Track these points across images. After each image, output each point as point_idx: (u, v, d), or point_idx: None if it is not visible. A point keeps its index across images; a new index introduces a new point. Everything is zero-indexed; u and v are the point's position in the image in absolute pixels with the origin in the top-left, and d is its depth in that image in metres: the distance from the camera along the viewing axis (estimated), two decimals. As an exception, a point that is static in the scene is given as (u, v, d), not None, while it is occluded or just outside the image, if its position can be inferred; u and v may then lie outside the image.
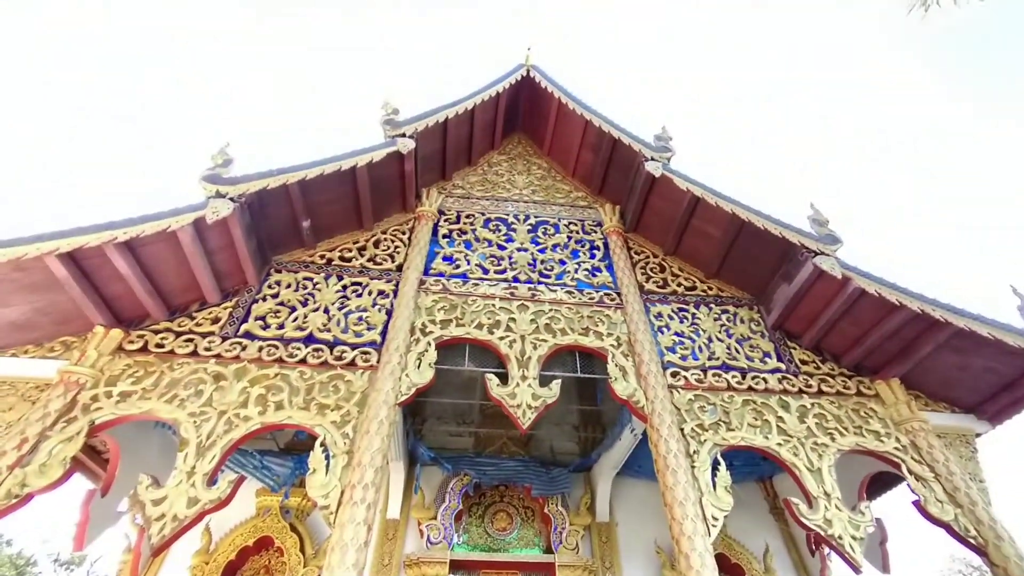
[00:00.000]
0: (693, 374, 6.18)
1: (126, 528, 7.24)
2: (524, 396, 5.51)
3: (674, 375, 6.12)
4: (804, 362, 6.66)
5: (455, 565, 7.36)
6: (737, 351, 6.62)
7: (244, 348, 5.74)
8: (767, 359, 6.61)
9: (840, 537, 4.98)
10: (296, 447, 7.86)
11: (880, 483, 7.19)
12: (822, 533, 5.02)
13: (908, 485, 5.58)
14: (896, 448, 5.89)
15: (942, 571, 21.46)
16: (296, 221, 6.83)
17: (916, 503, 5.44)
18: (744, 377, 6.26)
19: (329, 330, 6.08)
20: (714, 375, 6.22)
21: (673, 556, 7.62)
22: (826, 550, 7.97)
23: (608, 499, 8.17)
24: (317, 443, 5.14)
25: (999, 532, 5.08)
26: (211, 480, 4.94)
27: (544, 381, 5.74)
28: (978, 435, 6.29)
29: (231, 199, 5.78)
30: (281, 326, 6.07)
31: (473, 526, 7.87)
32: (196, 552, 7.10)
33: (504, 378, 5.72)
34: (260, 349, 5.75)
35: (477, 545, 7.61)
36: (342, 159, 6.71)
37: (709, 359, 6.44)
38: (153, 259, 5.59)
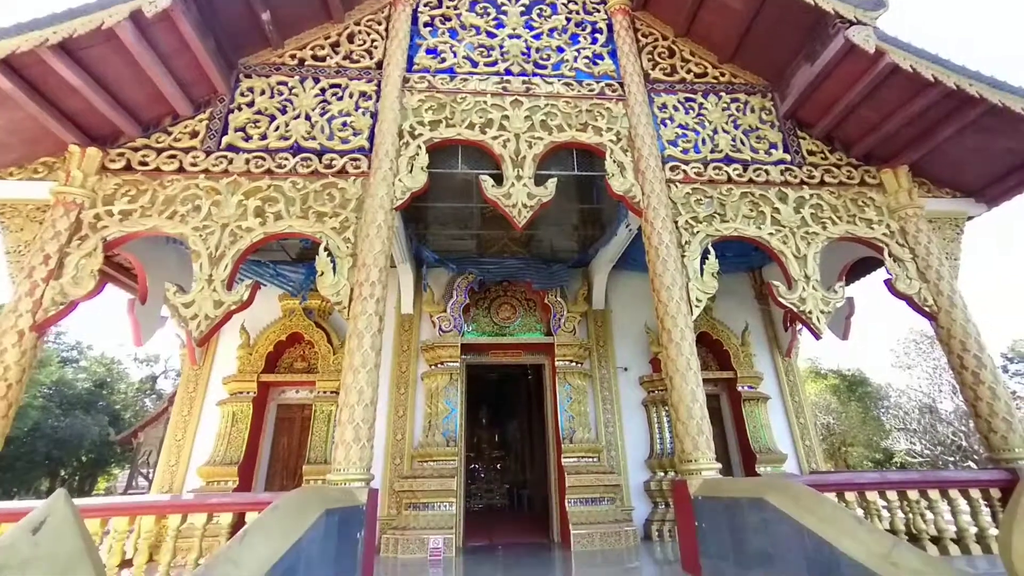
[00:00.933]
0: (693, 168, 6.04)
1: (175, 328, 8.14)
2: (519, 196, 5.50)
3: (673, 169, 5.99)
4: (811, 152, 6.41)
5: (466, 348, 8.39)
6: (742, 143, 6.34)
7: (231, 162, 5.59)
8: (773, 150, 6.35)
9: (810, 312, 5.47)
10: (307, 255, 8.28)
11: (858, 270, 7.58)
12: (795, 309, 5.50)
13: (885, 267, 5.89)
14: (884, 234, 6.05)
15: (900, 339, 24.25)
16: (254, 13, 5.95)
17: (887, 281, 5.82)
18: (746, 170, 6.12)
19: (314, 138, 5.81)
20: (715, 168, 6.07)
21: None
22: (798, 326, 8.88)
23: (604, 290, 8.84)
24: (321, 248, 5.38)
25: (954, 301, 5.54)
26: (229, 285, 5.32)
27: (541, 180, 5.67)
28: (970, 218, 6.38)
29: (169, -17, 4.94)
30: (263, 136, 5.80)
31: (480, 317, 8.73)
32: (239, 346, 8.09)
33: (499, 179, 5.65)
34: (247, 162, 5.60)
35: (485, 331, 8.56)
36: (289, -80, 5.50)
37: (712, 152, 6.21)
38: (101, 65, 5.06)
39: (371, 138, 5.84)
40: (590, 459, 7.51)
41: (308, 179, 5.57)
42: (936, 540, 4.57)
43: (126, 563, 4.45)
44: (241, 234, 5.35)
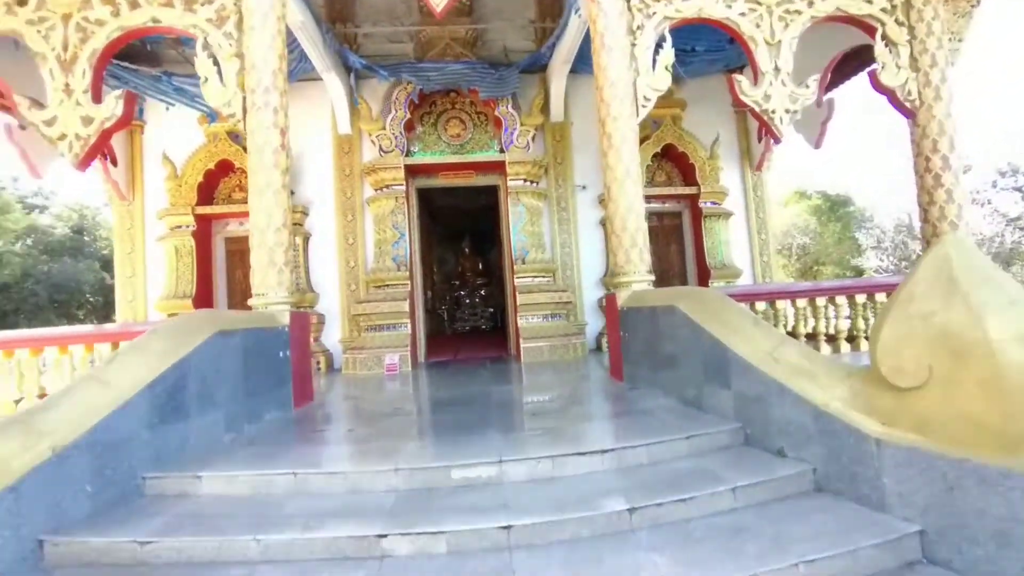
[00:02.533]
0: (657, -78, 4.74)
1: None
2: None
3: (630, -75, 4.71)
4: None
5: (413, 170, 7.80)
6: None
7: (52, -76, 4.29)
8: None
9: (774, 111, 4.82)
10: (217, 67, 7.12)
11: (843, 71, 6.60)
12: (756, 108, 4.84)
13: (875, 54, 5.04)
14: (883, 9, 5.05)
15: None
16: None
17: (871, 73, 5.05)
18: (725, -77, 4.82)
19: None
20: (685, -78, 4.78)
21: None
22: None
23: (563, 99, 7.89)
24: (198, 47, 4.47)
25: (940, 93, 4.87)
26: (96, 97, 4.55)
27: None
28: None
29: None
30: None
31: (428, 135, 7.94)
32: (165, 178, 7.47)
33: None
34: (74, -76, 4.31)
35: (433, 151, 7.86)
36: None
37: (684, -102, 4.82)
38: None
39: None
40: (543, 279, 7.53)
41: (159, -51, 4.36)
42: (831, 339, 4.77)
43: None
44: (91, 28, 4.38)
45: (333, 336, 7.77)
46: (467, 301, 18.60)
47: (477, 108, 8.01)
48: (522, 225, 7.57)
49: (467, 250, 19.50)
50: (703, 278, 8.08)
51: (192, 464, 2.78)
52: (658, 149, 8.05)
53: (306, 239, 7.78)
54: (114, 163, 7.50)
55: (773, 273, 8.53)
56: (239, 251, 7.94)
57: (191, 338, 3.08)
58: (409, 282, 7.30)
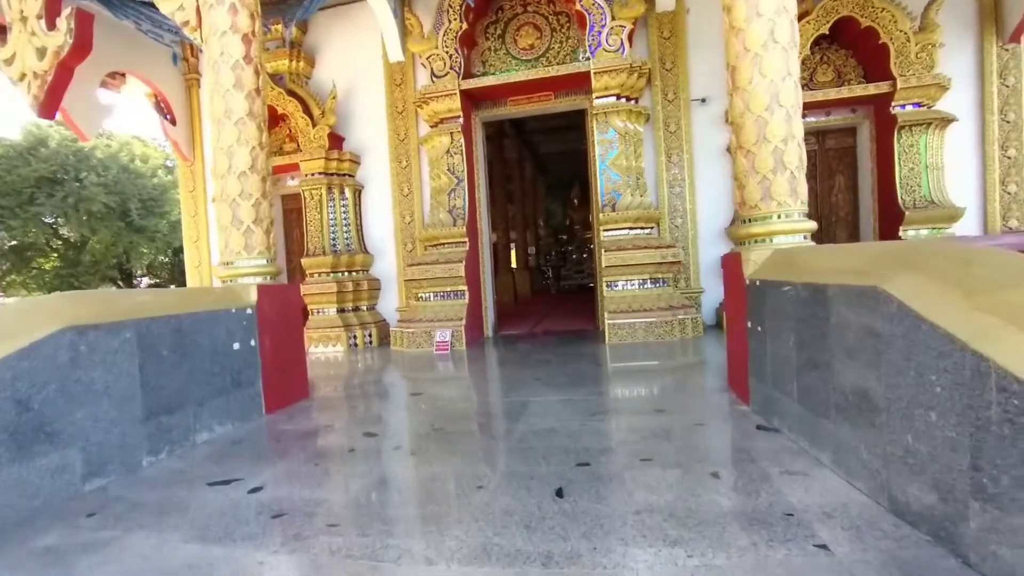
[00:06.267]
0: None
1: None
2: None
3: None
4: None
5: (474, 96, 6.18)
6: None
7: None
8: None
9: None
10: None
11: None
12: None
13: None
14: None
15: None
16: None
17: None
18: None
19: None
20: None
21: None
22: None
23: (676, -25, 5.55)
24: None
25: None
26: (51, 23, 3.66)
27: None
28: None
29: None
30: None
31: (493, 51, 6.21)
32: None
33: None
34: None
35: (500, 71, 6.13)
36: None
37: None
38: None
39: None
40: (642, 230, 5.55)
41: None
42: None
43: None
44: (12, -76, 3.40)
45: (390, 304, 6.73)
46: (574, 257, 16.99)
47: (556, 7, 6.03)
48: (613, 157, 5.58)
49: (576, 201, 17.69)
50: (890, 223, 5.38)
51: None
52: (824, 29, 5.34)
53: (357, 192, 6.71)
54: (173, 121, 7.07)
55: (1025, 213, 5.43)
56: (296, 209, 7.18)
57: (9, 343, 1.98)
58: (467, 240, 5.84)
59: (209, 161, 7.29)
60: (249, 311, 3.20)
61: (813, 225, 2.72)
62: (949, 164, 5.37)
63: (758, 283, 2.51)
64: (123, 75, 6.52)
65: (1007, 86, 5.42)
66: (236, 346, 3.07)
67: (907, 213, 5.14)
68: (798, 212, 2.70)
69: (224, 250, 3.43)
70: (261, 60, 3.50)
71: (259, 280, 3.41)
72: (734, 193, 2.93)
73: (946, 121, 5.25)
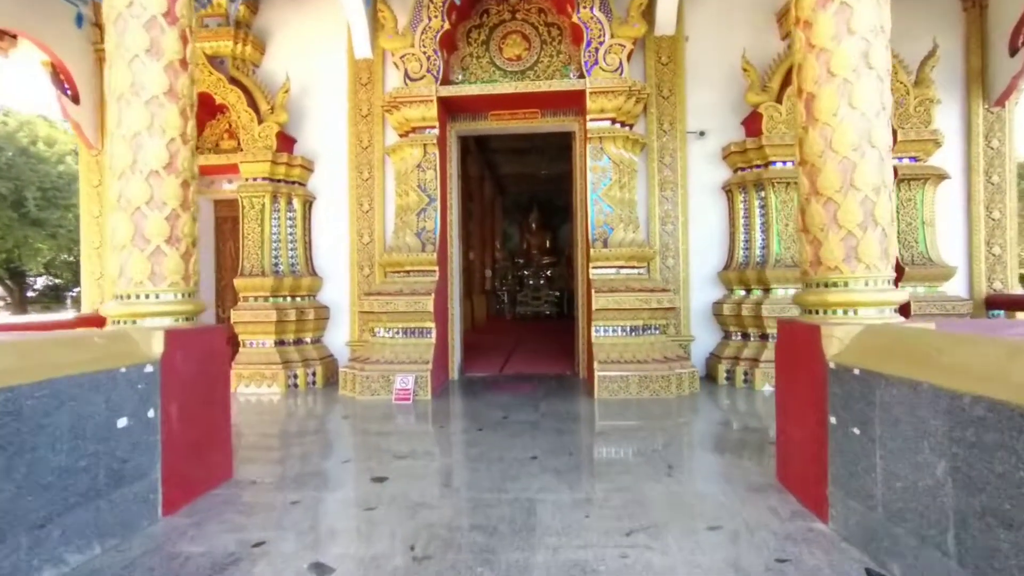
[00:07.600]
0: None
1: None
2: None
3: None
4: None
5: (452, 106, 5.48)
6: None
7: None
8: None
9: None
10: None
11: None
12: None
13: None
14: None
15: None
16: None
17: None
18: None
19: None
20: None
21: (768, 73, 5.09)
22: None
23: (676, 3, 5.17)
24: None
25: None
26: None
27: None
28: None
29: None
30: None
31: (475, 58, 5.55)
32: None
33: None
34: None
35: (483, 79, 5.48)
36: None
37: None
38: None
39: None
40: (633, 270, 5.01)
41: None
42: None
43: None
44: None
45: (339, 336, 5.77)
46: (531, 283, 16.47)
47: (547, 17, 5.48)
48: (607, 187, 5.03)
49: (534, 225, 17.25)
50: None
51: None
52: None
53: (308, 204, 5.76)
54: (75, 99, 5.81)
55: (1010, 275, 5.38)
56: (231, 218, 6.09)
57: None
58: (437, 269, 5.06)
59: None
60: (149, 369, 2.27)
61: (905, 296, 2.22)
62: (943, 219, 5.26)
63: (856, 372, 1.93)
64: (13, 36, 5.27)
65: (992, 148, 5.42)
66: (122, 423, 2.12)
67: (907, 269, 4.93)
68: (888, 279, 2.18)
69: (119, 279, 2.47)
70: (192, 25, 2.63)
71: (168, 323, 2.47)
72: (802, 249, 2.39)
73: (940, 177, 5.13)
